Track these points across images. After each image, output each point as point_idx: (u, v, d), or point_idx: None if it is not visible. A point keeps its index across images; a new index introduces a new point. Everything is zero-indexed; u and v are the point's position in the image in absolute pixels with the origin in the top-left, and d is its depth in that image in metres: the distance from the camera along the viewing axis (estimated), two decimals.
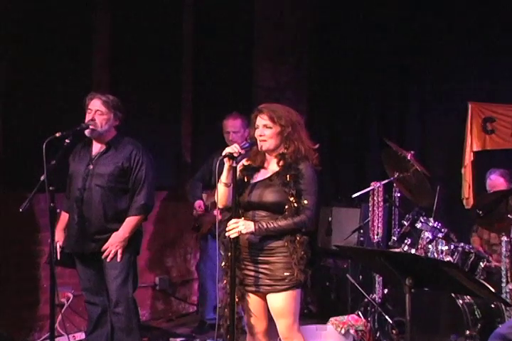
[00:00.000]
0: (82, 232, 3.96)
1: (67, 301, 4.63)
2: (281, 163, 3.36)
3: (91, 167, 3.98)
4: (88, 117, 3.96)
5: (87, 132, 3.95)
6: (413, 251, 4.44)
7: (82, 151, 4.07)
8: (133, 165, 3.96)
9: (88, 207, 3.94)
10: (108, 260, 3.92)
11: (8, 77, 4.53)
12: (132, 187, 3.97)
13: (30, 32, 4.60)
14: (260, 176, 3.39)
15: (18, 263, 4.64)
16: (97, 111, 3.94)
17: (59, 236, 4.04)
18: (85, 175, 3.97)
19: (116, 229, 3.93)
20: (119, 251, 3.92)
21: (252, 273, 3.32)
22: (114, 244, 3.91)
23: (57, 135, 3.73)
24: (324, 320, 4.59)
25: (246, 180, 3.38)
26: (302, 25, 6.41)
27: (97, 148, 4.04)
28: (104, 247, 3.92)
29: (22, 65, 4.56)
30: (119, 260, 3.92)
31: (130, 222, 3.95)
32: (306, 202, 3.28)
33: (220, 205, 3.40)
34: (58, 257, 3.98)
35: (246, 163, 3.44)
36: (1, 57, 4.47)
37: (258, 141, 3.35)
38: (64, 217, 4.10)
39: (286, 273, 3.26)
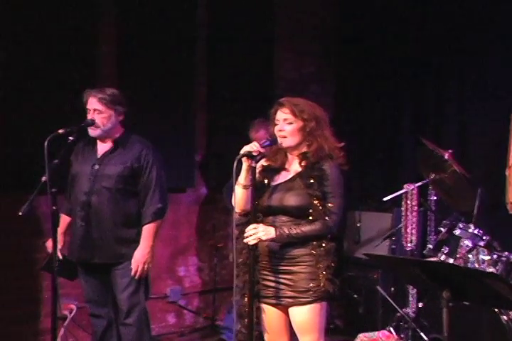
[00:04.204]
0: (90, 239, 3.96)
1: (70, 314, 4.63)
2: (303, 163, 3.36)
3: (97, 167, 3.98)
4: (88, 117, 3.97)
5: (90, 132, 3.96)
6: (451, 260, 4.41)
7: (86, 150, 4.07)
8: (143, 166, 3.97)
9: (97, 212, 3.94)
10: (137, 277, 3.94)
11: (6, 70, 4.57)
12: (143, 190, 3.97)
13: (31, 23, 4.64)
14: (281, 178, 3.40)
15: (17, 272, 4.68)
16: (95, 110, 3.95)
17: (59, 241, 4.02)
18: (91, 176, 3.96)
19: (127, 237, 3.94)
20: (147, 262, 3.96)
21: (273, 284, 3.32)
22: (141, 260, 3.93)
23: (61, 132, 3.76)
24: (352, 336, 4.59)
25: (266, 182, 3.39)
26: (329, 9, 6.37)
27: (102, 146, 4.04)
28: (133, 266, 3.92)
29: (22, 58, 4.60)
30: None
31: (150, 230, 3.96)
32: (331, 205, 3.28)
33: (237, 209, 3.40)
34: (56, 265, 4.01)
35: (265, 164, 3.44)
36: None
37: (278, 138, 3.35)
38: (64, 220, 4.10)
39: (310, 284, 3.27)
